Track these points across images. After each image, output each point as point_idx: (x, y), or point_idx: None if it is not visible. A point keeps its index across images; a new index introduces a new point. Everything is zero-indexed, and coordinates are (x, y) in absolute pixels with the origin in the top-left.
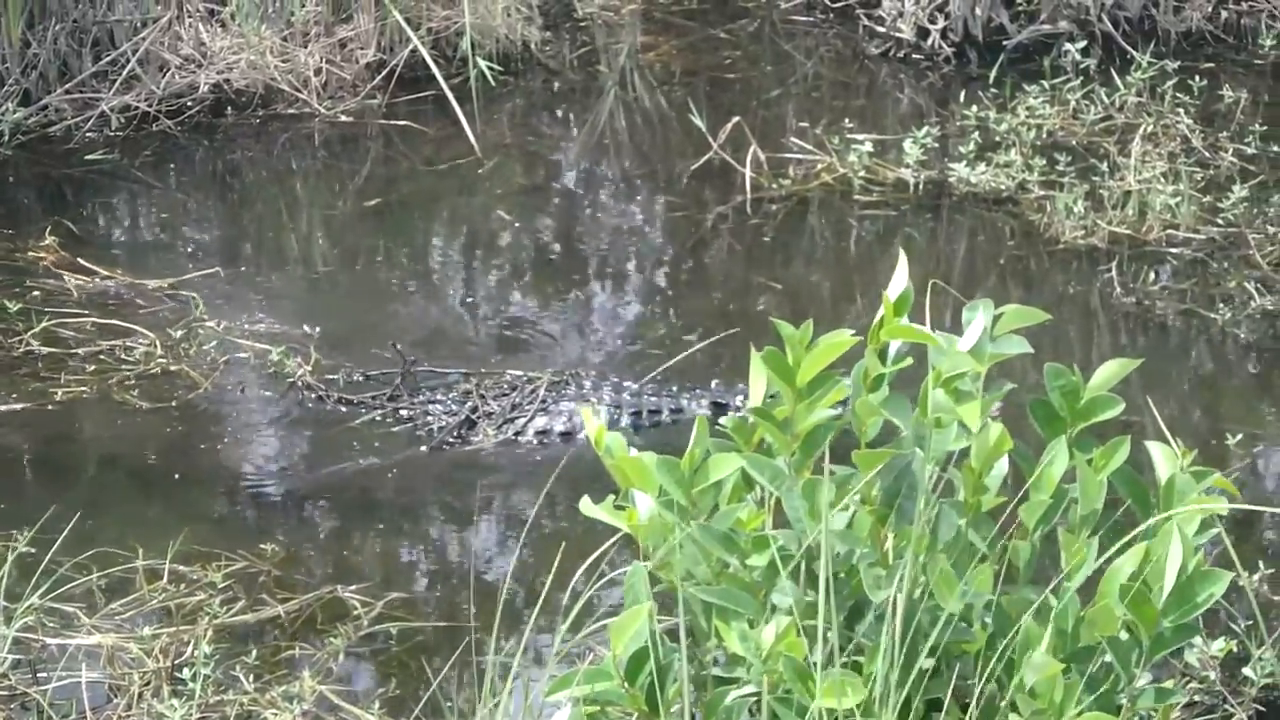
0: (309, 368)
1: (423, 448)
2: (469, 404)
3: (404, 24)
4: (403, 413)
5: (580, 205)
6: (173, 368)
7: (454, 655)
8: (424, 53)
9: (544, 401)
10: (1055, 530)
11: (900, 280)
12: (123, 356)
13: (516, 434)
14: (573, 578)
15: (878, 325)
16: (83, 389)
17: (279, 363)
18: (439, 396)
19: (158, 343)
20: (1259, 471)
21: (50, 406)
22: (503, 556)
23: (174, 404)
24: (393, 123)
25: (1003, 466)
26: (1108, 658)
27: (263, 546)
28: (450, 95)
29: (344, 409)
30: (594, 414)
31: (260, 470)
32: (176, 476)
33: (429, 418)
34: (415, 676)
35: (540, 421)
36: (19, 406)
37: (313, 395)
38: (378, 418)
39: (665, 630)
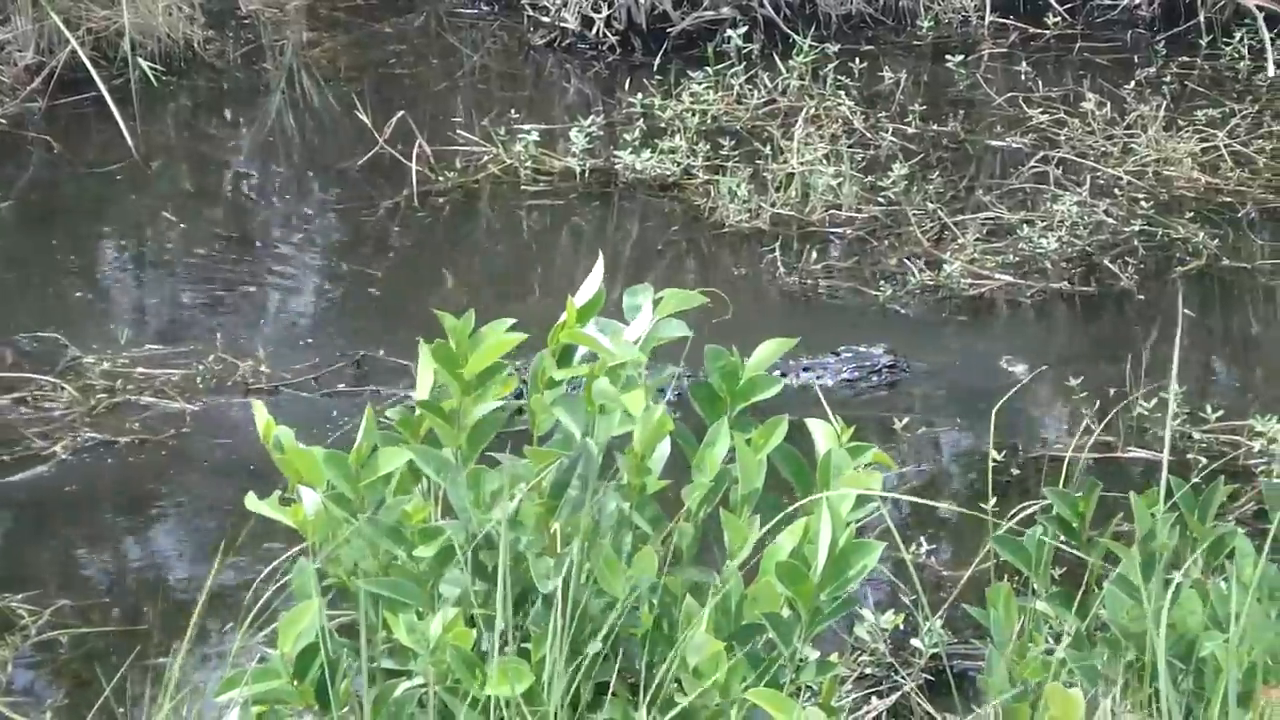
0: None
1: None
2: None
3: (62, 26)
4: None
5: (247, 204)
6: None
7: (128, 661)
8: (82, 55)
9: None
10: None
11: (592, 284)
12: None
13: None
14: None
15: (559, 327)
16: None
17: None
18: None
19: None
20: (923, 444)
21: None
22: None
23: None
24: (51, 128)
25: (664, 449)
26: (771, 634)
27: None
28: (108, 97)
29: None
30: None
31: None
32: None
33: None
34: (88, 684)
35: None
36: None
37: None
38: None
39: (336, 626)
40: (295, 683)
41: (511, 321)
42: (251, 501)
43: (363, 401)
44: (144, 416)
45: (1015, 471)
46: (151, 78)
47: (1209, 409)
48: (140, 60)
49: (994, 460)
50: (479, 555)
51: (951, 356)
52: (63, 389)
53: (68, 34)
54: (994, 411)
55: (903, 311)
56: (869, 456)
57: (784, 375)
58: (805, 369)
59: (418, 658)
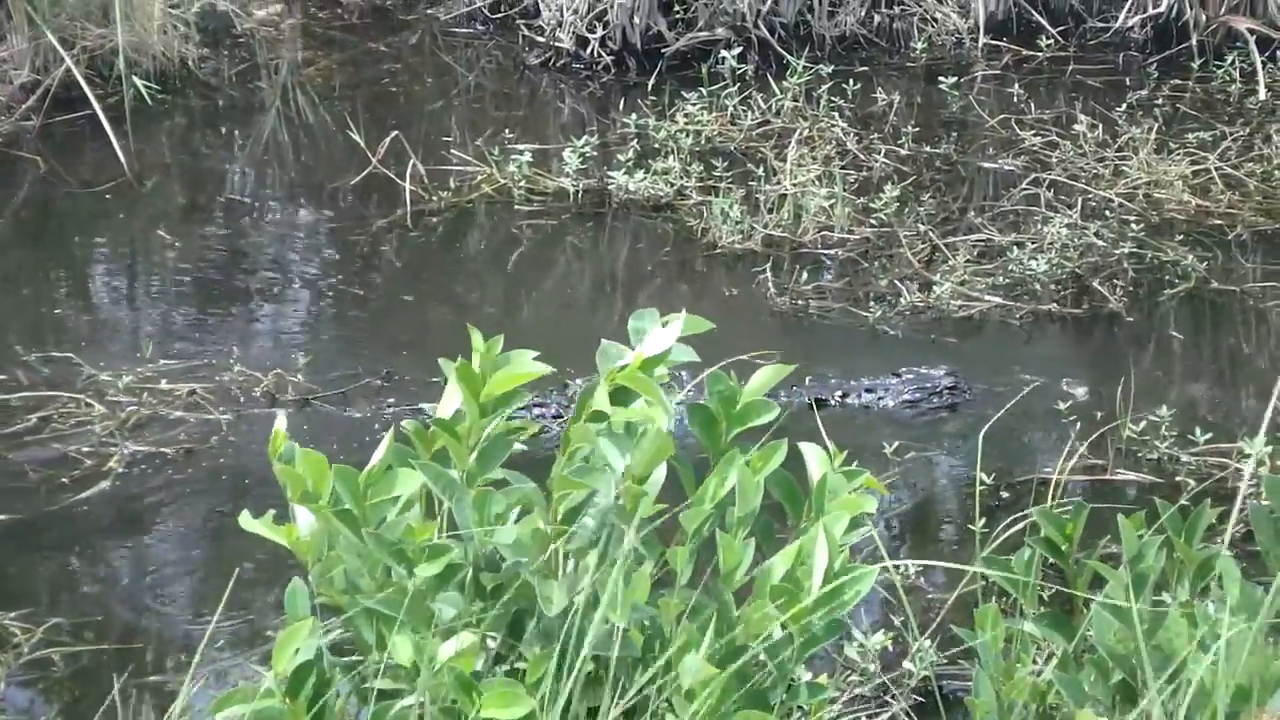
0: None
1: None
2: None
3: (57, 44)
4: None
5: (240, 223)
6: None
7: (130, 679)
8: (77, 73)
9: None
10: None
11: (668, 336)
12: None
13: None
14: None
15: (620, 368)
16: None
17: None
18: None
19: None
20: (916, 470)
21: None
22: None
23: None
24: (45, 147)
25: (661, 473)
26: (763, 656)
27: None
28: (102, 115)
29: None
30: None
31: None
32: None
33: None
34: (82, 701)
35: None
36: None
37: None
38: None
39: (328, 644)
40: (287, 701)
41: (532, 354)
42: (245, 520)
43: (390, 416)
44: (184, 428)
45: (1005, 495)
46: (146, 96)
47: (1198, 431)
48: (135, 79)
49: (984, 483)
50: (477, 576)
51: (1006, 379)
52: (90, 406)
53: (63, 52)
54: (981, 435)
55: (892, 332)
56: (862, 481)
57: (845, 395)
58: (867, 389)
59: (411, 676)
